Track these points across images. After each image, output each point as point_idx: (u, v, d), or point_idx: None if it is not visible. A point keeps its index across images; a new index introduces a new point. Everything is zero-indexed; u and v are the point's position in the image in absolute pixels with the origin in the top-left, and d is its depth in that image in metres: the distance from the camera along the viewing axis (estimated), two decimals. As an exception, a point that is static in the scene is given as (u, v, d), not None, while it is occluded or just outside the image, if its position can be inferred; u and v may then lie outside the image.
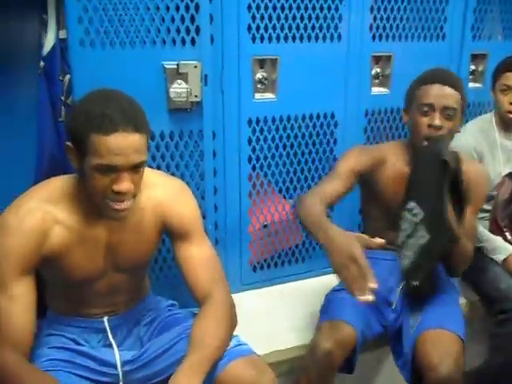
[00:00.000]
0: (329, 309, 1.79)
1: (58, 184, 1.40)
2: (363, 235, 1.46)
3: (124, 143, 1.23)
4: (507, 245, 2.11)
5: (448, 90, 1.72)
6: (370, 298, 1.28)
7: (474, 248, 1.92)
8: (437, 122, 1.70)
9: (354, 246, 1.36)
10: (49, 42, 1.81)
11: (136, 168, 1.29)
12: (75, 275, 1.41)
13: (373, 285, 1.28)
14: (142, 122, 1.29)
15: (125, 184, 1.27)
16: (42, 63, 1.84)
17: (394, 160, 1.84)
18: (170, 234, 1.53)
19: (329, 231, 1.44)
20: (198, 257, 1.51)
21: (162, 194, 1.49)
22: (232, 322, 1.49)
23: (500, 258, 2.08)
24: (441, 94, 1.72)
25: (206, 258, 1.53)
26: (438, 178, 1.65)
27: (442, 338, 1.64)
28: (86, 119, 1.23)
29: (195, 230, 1.53)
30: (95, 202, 1.33)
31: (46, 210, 1.34)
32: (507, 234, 2.16)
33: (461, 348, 1.63)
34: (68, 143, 1.30)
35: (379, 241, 1.42)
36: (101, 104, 1.24)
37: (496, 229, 2.18)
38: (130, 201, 1.32)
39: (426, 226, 1.68)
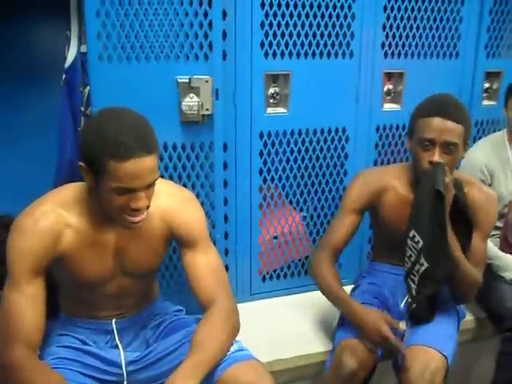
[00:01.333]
0: (349, 325, 1.76)
1: (71, 190, 1.48)
2: (388, 317, 1.69)
3: (141, 168, 1.30)
4: (517, 262, 2.10)
5: (450, 124, 1.65)
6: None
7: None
8: (436, 158, 1.66)
9: (382, 326, 1.63)
10: (70, 55, 1.90)
11: (151, 186, 1.36)
12: (84, 277, 1.47)
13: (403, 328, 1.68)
14: (153, 144, 1.35)
15: (142, 202, 1.35)
16: (64, 75, 1.93)
17: (397, 185, 1.83)
18: (177, 242, 1.59)
19: (356, 310, 1.70)
20: (204, 264, 1.56)
21: (169, 202, 1.54)
22: (234, 327, 1.53)
23: (509, 276, 2.07)
24: (442, 129, 1.65)
25: (212, 266, 1.58)
26: (434, 208, 1.65)
27: (423, 353, 1.63)
28: (102, 145, 1.28)
29: (202, 239, 1.58)
30: (111, 216, 1.40)
31: (58, 214, 1.41)
32: (517, 251, 2.15)
33: (442, 365, 1.61)
34: (81, 164, 1.35)
35: (402, 326, 1.69)
36: (114, 128, 1.29)
37: (506, 246, 2.17)
38: (145, 213, 1.39)
39: (424, 255, 1.70)
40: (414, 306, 1.76)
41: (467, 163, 2.23)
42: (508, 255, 2.13)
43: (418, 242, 1.70)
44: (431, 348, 1.64)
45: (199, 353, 1.40)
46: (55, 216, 1.41)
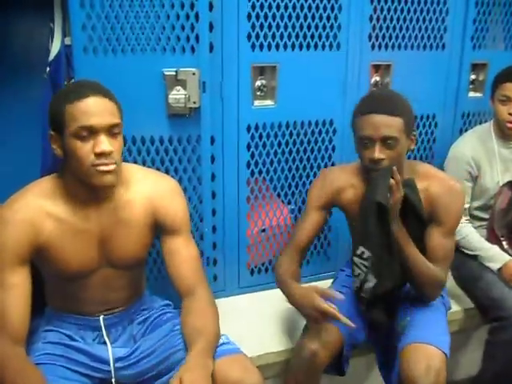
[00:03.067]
0: None
1: (50, 181, 1.48)
2: (318, 286, 1.66)
3: (96, 105, 1.35)
4: (503, 253, 2.11)
5: (386, 118, 1.61)
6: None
7: (466, 259, 1.94)
8: (376, 155, 1.62)
9: (315, 299, 1.57)
10: (54, 48, 1.86)
11: (112, 131, 1.38)
12: (68, 267, 1.47)
13: (339, 296, 1.59)
14: (111, 93, 1.41)
15: (105, 144, 1.35)
16: (48, 68, 1.90)
17: (355, 183, 1.81)
18: (160, 229, 1.59)
19: (293, 290, 1.69)
20: (185, 253, 1.58)
21: (154, 189, 1.55)
22: (218, 314, 1.56)
23: (495, 266, 2.08)
24: (378, 125, 1.61)
25: (192, 256, 1.60)
26: (379, 219, 1.66)
27: (424, 352, 1.62)
28: (61, 98, 1.38)
29: (185, 228, 1.60)
30: (83, 176, 1.39)
31: (38, 204, 1.42)
32: (504, 243, 2.16)
33: (443, 363, 1.62)
34: (50, 132, 1.39)
35: (338, 295, 1.61)
36: (75, 84, 1.45)
37: (493, 238, 2.19)
38: (114, 166, 1.39)
39: (373, 270, 1.71)
40: (372, 314, 1.79)
41: (454, 156, 2.24)
42: (494, 246, 2.15)
43: (368, 258, 1.70)
44: (432, 346, 1.64)
45: (203, 341, 1.42)
46: (35, 206, 1.41)
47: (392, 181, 1.61)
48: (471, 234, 2.17)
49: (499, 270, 2.07)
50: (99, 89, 1.39)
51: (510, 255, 2.10)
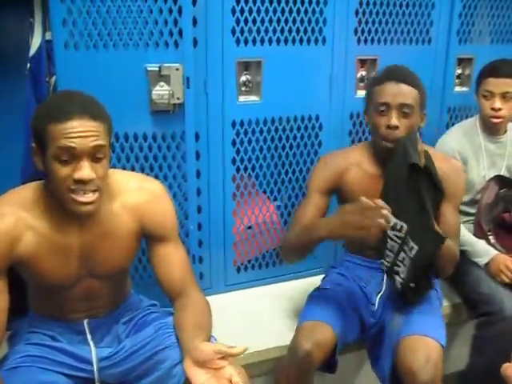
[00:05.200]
0: (310, 310, 1.81)
1: (31, 190, 1.40)
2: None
3: (80, 127, 1.24)
4: (490, 248, 2.11)
5: (403, 86, 1.69)
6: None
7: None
8: (393, 121, 1.68)
9: (347, 209, 1.49)
10: (35, 43, 1.82)
11: (96, 155, 1.28)
12: (47, 281, 1.42)
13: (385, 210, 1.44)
14: (99, 112, 1.31)
15: (85, 171, 1.26)
16: (28, 65, 1.86)
17: (361, 162, 1.83)
18: (148, 237, 1.54)
19: (319, 224, 1.60)
20: (174, 257, 1.54)
21: (138, 197, 1.48)
22: (211, 317, 1.52)
23: (482, 261, 2.08)
24: (396, 92, 1.69)
25: (182, 259, 1.56)
26: (412, 184, 1.64)
27: (423, 344, 1.63)
28: (44, 113, 1.28)
29: (173, 233, 1.55)
30: (60, 199, 1.32)
31: (18, 216, 1.35)
32: (491, 237, 2.16)
33: (441, 355, 1.63)
34: (32, 144, 1.31)
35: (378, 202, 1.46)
36: (60, 99, 1.31)
37: (480, 232, 2.18)
38: (96, 194, 1.30)
39: (413, 237, 1.67)
40: (411, 286, 1.73)
41: (440, 150, 2.23)
42: (481, 241, 2.15)
43: (401, 227, 1.67)
44: (431, 338, 1.65)
45: (203, 334, 1.39)
46: (15, 218, 1.34)
47: (419, 147, 1.64)
48: (458, 229, 2.17)
49: (486, 265, 2.07)
50: (85, 108, 1.27)
51: (496, 250, 2.10)
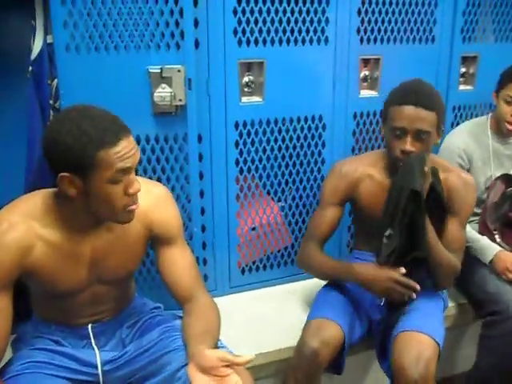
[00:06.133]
0: (317, 308, 1.81)
1: (41, 199, 1.39)
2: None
3: (129, 146, 1.29)
4: (494, 245, 2.10)
5: (421, 112, 1.64)
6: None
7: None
8: (407, 147, 1.64)
9: (389, 271, 1.66)
10: (36, 46, 1.83)
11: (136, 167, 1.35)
12: (56, 288, 1.41)
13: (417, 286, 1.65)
14: (126, 125, 1.32)
15: (137, 183, 1.33)
16: (30, 68, 1.86)
17: (373, 173, 1.83)
18: (155, 241, 1.54)
19: (355, 270, 1.73)
20: (182, 260, 1.54)
21: (144, 201, 1.47)
22: (220, 321, 1.52)
23: (487, 258, 2.07)
24: (413, 118, 1.63)
25: (189, 262, 1.56)
26: (410, 206, 1.63)
27: (416, 340, 1.62)
28: (84, 143, 1.23)
29: (179, 236, 1.56)
30: (107, 216, 1.36)
31: (29, 225, 1.33)
32: (496, 236, 2.15)
33: (435, 352, 1.62)
34: (64, 174, 1.26)
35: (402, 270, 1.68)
36: (88, 123, 1.25)
37: (486, 231, 2.17)
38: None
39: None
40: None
41: (446, 148, 2.22)
42: (485, 237, 2.13)
43: (393, 241, 1.68)
44: (424, 334, 1.64)
45: (211, 339, 1.39)
46: (25, 228, 1.32)
47: (426, 168, 1.62)
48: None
49: (491, 261, 2.06)
50: (121, 125, 1.30)
51: (502, 248, 2.09)
